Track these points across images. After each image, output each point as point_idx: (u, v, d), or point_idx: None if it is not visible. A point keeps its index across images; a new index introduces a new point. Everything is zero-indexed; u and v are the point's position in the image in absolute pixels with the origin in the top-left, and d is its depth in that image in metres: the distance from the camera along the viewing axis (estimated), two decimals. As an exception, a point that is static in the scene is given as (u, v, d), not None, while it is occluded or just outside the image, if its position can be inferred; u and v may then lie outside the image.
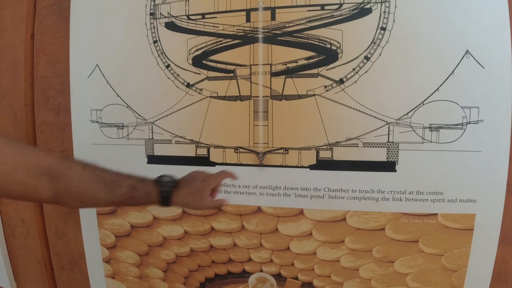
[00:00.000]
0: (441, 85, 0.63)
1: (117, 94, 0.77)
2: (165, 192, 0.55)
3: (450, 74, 0.63)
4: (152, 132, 0.76)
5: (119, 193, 0.52)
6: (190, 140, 0.74)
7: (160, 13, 0.74)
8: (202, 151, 0.73)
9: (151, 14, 0.74)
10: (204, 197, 0.56)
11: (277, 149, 0.70)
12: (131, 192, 0.53)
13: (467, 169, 0.64)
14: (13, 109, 0.97)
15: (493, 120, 0.63)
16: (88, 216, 0.85)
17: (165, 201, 0.56)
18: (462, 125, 0.64)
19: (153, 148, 0.77)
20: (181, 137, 0.74)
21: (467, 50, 0.63)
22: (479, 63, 0.62)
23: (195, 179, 0.59)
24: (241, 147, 0.72)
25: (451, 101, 0.64)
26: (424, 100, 0.64)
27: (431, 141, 0.65)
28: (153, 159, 0.77)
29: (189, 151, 0.74)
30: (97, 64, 0.79)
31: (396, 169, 0.66)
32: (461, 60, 0.63)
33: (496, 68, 0.62)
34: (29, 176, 0.47)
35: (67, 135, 0.86)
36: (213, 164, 0.73)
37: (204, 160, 0.73)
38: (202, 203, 0.57)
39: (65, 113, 0.87)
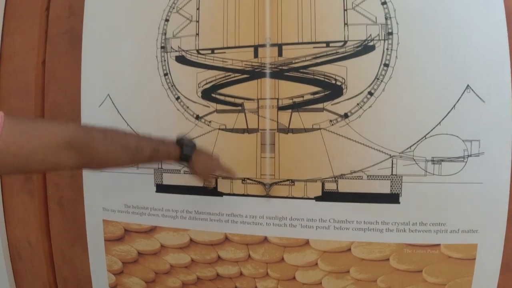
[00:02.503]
0: (442, 119, 0.66)
1: (128, 124, 0.80)
2: (186, 154, 0.63)
3: (452, 109, 0.65)
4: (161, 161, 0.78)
5: (143, 156, 0.57)
6: (198, 170, 0.76)
7: (171, 47, 0.77)
8: (210, 182, 0.75)
9: (162, 47, 0.77)
10: (216, 167, 0.68)
11: (284, 181, 0.72)
12: (154, 154, 0.58)
13: (468, 200, 0.66)
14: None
15: (494, 153, 0.65)
16: (95, 242, 0.87)
17: (185, 159, 0.64)
18: (464, 157, 0.65)
19: (162, 177, 0.79)
20: (190, 167, 0.76)
21: (467, 85, 0.65)
22: (479, 97, 0.65)
23: (212, 154, 0.71)
24: (248, 178, 0.73)
25: (452, 134, 0.66)
26: (427, 134, 0.66)
27: (433, 174, 0.66)
28: (161, 188, 0.79)
29: (197, 181, 0.76)
30: (108, 94, 0.81)
31: (399, 201, 0.68)
32: (462, 95, 0.65)
33: (496, 102, 0.64)
34: (48, 154, 0.46)
35: (77, 162, 0.88)
36: (221, 194, 0.75)
37: (212, 190, 0.75)
38: (212, 170, 0.68)
39: (75, 139, 0.89)
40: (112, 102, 0.81)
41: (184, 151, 0.63)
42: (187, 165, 0.66)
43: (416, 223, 0.68)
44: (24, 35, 1.01)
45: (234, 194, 0.74)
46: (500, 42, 0.64)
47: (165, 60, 0.77)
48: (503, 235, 0.66)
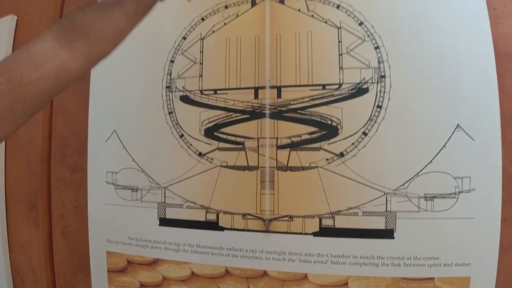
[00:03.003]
0: (434, 157, 0.68)
1: (133, 159, 0.83)
2: None
3: (442, 147, 0.68)
4: (164, 196, 0.80)
5: (127, 4, 0.48)
6: (200, 205, 0.78)
7: (176, 87, 0.81)
8: (212, 216, 0.77)
9: (167, 87, 0.81)
10: None
11: (282, 217, 0.74)
12: None
13: (461, 235, 0.68)
14: (29, 162, 1.01)
15: (484, 188, 0.67)
16: (99, 273, 0.88)
17: None
18: (455, 194, 0.68)
19: (165, 211, 0.81)
20: (192, 202, 0.79)
21: (457, 125, 0.68)
22: (469, 136, 0.68)
23: None
24: (248, 214, 0.76)
25: (444, 172, 0.68)
26: (419, 172, 0.69)
27: (426, 210, 0.69)
28: (164, 222, 0.81)
29: (199, 215, 0.78)
30: (114, 130, 0.85)
31: (394, 236, 0.70)
32: (452, 134, 0.68)
33: (486, 139, 0.67)
34: (46, 63, 0.42)
35: (82, 193, 0.90)
36: (222, 228, 0.77)
37: (213, 225, 0.77)
38: None
39: (81, 172, 0.92)
40: (118, 137, 0.84)
41: None
42: None
43: (410, 257, 0.69)
44: (32, 67, 1.05)
45: (234, 229, 0.76)
46: (489, 81, 0.67)
47: (170, 99, 0.81)
48: (495, 268, 0.67)
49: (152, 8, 0.53)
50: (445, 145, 0.68)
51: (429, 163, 0.68)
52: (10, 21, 1.06)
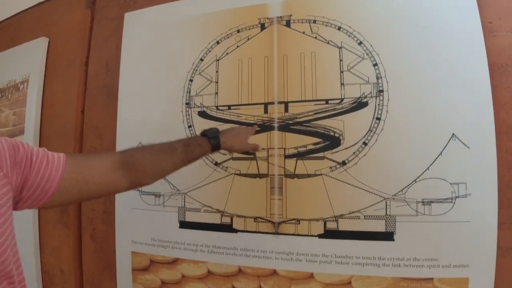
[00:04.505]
0: (431, 164, 0.73)
1: (156, 168, 0.91)
2: (213, 137, 0.70)
3: (439, 155, 0.72)
4: (184, 201, 0.88)
5: (177, 153, 0.65)
6: (216, 209, 0.86)
7: (194, 103, 0.90)
8: (226, 220, 0.85)
9: (187, 103, 0.90)
10: (247, 138, 0.74)
11: (290, 220, 0.80)
12: (186, 149, 0.66)
13: (458, 237, 0.71)
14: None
15: (480, 193, 0.70)
16: (124, 271, 0.96)
17: (215, 144, 0.70)
18: (452, 199, 0.71)
19: (184, 215, 0.89)
20: (209, 206, 0.86)
21: (453, 134, 0.72)
22: (464, 144, 0.71)
23: (235, 128, 0.77)
24: (259, 217, 0.82)
25: (440, 178, 0.72)
26: (416, 178, 0.73)
27: (424, 214, 0.73)
28: (184, 224, 0.89)
29: (215, 219, 0.86)
30: (140, 142, 0.93)
31: (394, 238, 0.74)
32: (448, 143, 0.72)
33: (481, 147, 0.70)
34: (105, 176, 0.58)
35: (111, 200, 0.99)
36: (235, 231, 0.84)
37: (227, 227, 0.84)
38: (245, 143, 0.74)
39: (109, 180, 1.01)
40: (143, 148, 0.93)
41: (209, 135, 0.70)
42: (222, 148, 0.72)
43: (410, 258, 0.73)
44: (64, 86, 1.14)
45: (247, 231, 0.83)
46: (483, 92, 0.71)
47: (189, 115, 0.90)
48: (493, 269, 0.69)
49: (198, 159, 0.71)
50: (441, 153, 0.72)
51: (426, 170, 0.73)
52: (42, 42, 1.18)
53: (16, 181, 0.50)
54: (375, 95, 0.77)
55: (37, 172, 0.52)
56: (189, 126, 0.89)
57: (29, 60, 1.20)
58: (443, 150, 0.73)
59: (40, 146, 1.16)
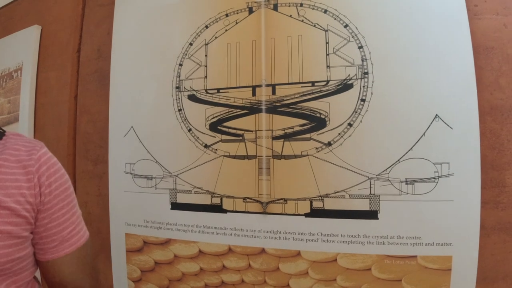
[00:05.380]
0: (414, 145, 0.74)
1: (148, 151, 0.93)
2: None
3: (422, 136, 0.73)
4: (175, 183, 0.90)
5: None
6: (206, 191, 0.88)
7: (184, 87, 0.91)
8: (216, 200, 0.87)
9: (177, 87, 0.92)
10: None
11: (278, 200, 0.82)
12: None
13: (441, 216, 0.72)
14: (56, 157, 1.13)
15: (463, 173, 0.71)
16: (118, 253, 0.99)
17: None
18: (435, 178, 0.72)
19: (176, 197, 0.91)
20: (199, 188, 0.88)
21: (436, 115, 0.73)
22: (447, 125, 0.72)
23: None
24: (248, 198, 0.84)
25: (423, 158, 0.73)
26: (400, 158, 0.74)
27: (407, 193, 0.74)
28: (176, 206, 0.91)
29: (205, 200, 0.88)
30: (132, 126, 0.96)
31: (378, 217, 0.76)
32: (431, 123, 0.73)
33: (464, 128, 0.71)
34: None
35: (104, 183, 1.02)
36: (225, 211, 0.86)
37: (217, 208, 0.87)
38: None
39: (103, 164, 1.03)
40: (135, 132, 0.95)
41: None
42: None
43: (394, 236, 0.75)
44: (57, 72, 1.16)
45: (236, 211, 0.85)
46: (467, 74, 0.71)
47: (179, 98, 0.91)
48: (477, 248, 0.71)
49: None
50: (424, 133, 0.74)
51: (409, 150, 0.74)
52: (35, 31, 1.19)
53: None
54: (360, 77, 0.78)
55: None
56: (179, 110, 0.91)
57: (22, 48, 1.22)
58: (426, 130, 0.74)
59: (35, 132, 1.19)
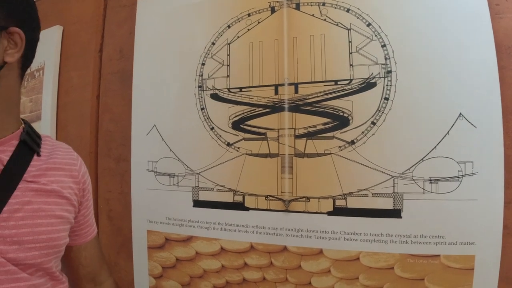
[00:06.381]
0: (438, 143, 0.73)
1: (170, 149, 0.95)
2: None
3: (446, 134, 0.73)
4: (198, 181, 0.91)
5: None
6: (229, 188, 0.88)
7: (207, 86, 0.92)
8: (239, 198, 0.88)
9: (199, 86, 0.93)
10: None
11: (300, 198, 0.83)
12: None
13: (465, 215, 0.72)
14: (79, 155, 1.15)
15: (487, 172, 0.71)
16: (140, 249, 1.00)
17: None
18: (458, 177, 0.72)
19: (198, 194, 0.92)
20: (222, 186, 0.89)
21: (460, 113, 0.72)
22: (471, 124, 0.72)
23: None
24: (270, 196, 0.85)
25: (447, 157, 0.73)
26: (424, 157, 0.74)
27: (431, 192, 0.74)
28: (198, 203, 0.92)
29: (227, 197, 0.88)
30: (154, 124, 0.97)
31: (401, 216, 0.75)
32: (455, 122, 0.73)
33: (487, 126, 0.71)
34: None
35: (126, 180, 1.03)
36: (247, 209, 0.87)
37: (240, 206, 0.87)
38: None
39: (125, 162, 1.04)
40: (158, 131, 0.97)
41: None
42: None
43: (417, 235, 0.74)
44: (79, 72, 1.18)
45: (258, 209, 0.85)
46: (490, 73, 0.71)
47: (201, 97, 0.92)
48: (500, 248, 0.70)
49: None
50: (448, 132, 0.73)
51: (433, 149, 0.74)
52: (57, 31, 1.21)
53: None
54: (383, 76, 0.78)
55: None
56: (202, 109, 0.92)
57: (44, 49, 1.22)
58: (450, 129, 0.73)
59: (57, 131, 1.21)
